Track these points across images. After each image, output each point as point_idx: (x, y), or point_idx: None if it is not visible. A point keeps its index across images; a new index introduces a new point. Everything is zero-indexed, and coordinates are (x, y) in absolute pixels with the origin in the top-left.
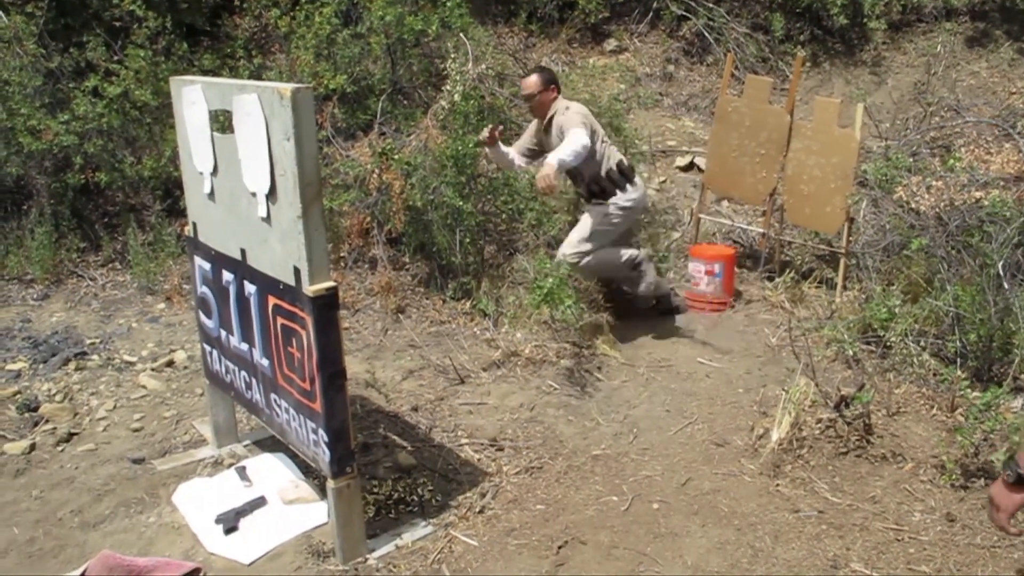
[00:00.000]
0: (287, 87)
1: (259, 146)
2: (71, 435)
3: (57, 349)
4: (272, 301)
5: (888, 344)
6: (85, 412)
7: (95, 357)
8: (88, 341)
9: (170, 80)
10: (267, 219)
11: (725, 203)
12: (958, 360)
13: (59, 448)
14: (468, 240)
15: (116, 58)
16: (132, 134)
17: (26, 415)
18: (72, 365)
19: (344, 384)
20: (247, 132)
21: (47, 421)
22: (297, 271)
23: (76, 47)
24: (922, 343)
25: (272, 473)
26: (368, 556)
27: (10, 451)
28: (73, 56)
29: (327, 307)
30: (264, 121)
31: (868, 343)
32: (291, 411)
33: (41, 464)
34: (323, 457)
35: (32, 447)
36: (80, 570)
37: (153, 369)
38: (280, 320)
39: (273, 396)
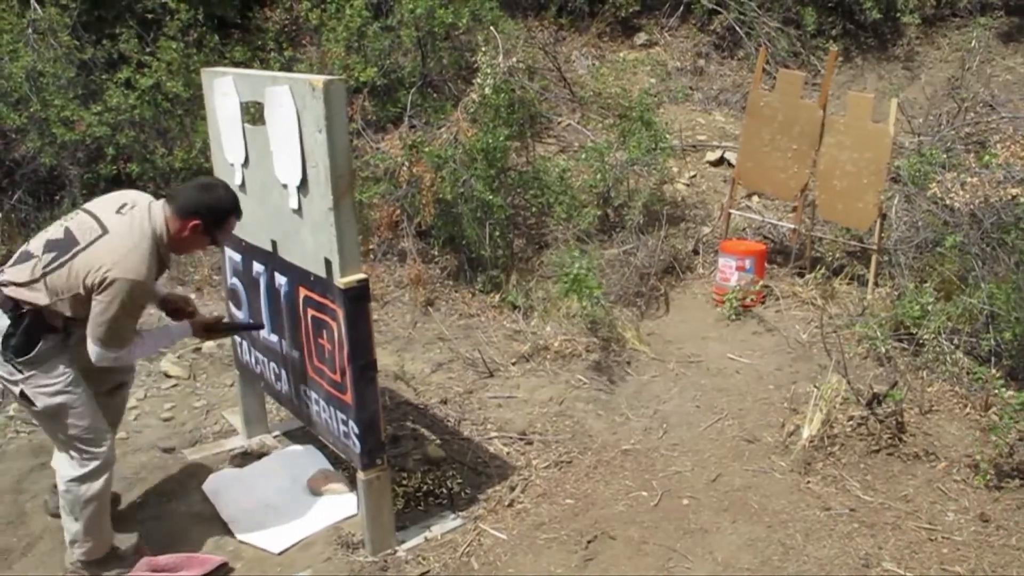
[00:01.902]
0: (319, 79)
1: (291, 138)
2: None
3: None
4: (303, 293)
5: (921, 342)
6: None
7: None
8: None
9: (202, 72)
10: (298, 211)
11: (755, 198)
12: (992, 359)
13: None
14: (498, 233)
15: (148, 50)
16: (163, 125)
17: None
18: None
19: (375, 376)
20: (279, 124)
21: None
22: (328, 263)
23: (109, 39)
24: (955, 341)
25: (302, 464)
26: (397, 548)
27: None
28: (106, 48)
29: (358, 299)
30: (296, 113)
31: (900, 340)
32: (321, 402)
33: None
34: (353, 449)
35: None
36: None
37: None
38: (311, 312)
39: (303, 387)
